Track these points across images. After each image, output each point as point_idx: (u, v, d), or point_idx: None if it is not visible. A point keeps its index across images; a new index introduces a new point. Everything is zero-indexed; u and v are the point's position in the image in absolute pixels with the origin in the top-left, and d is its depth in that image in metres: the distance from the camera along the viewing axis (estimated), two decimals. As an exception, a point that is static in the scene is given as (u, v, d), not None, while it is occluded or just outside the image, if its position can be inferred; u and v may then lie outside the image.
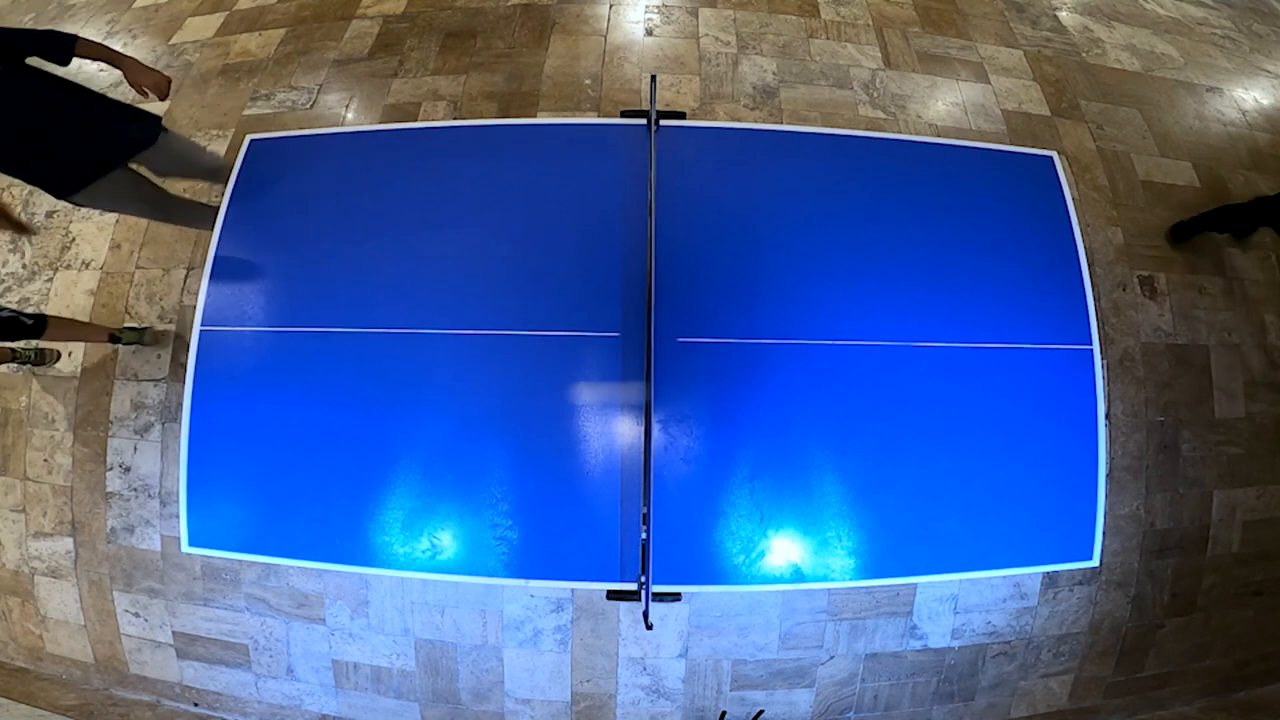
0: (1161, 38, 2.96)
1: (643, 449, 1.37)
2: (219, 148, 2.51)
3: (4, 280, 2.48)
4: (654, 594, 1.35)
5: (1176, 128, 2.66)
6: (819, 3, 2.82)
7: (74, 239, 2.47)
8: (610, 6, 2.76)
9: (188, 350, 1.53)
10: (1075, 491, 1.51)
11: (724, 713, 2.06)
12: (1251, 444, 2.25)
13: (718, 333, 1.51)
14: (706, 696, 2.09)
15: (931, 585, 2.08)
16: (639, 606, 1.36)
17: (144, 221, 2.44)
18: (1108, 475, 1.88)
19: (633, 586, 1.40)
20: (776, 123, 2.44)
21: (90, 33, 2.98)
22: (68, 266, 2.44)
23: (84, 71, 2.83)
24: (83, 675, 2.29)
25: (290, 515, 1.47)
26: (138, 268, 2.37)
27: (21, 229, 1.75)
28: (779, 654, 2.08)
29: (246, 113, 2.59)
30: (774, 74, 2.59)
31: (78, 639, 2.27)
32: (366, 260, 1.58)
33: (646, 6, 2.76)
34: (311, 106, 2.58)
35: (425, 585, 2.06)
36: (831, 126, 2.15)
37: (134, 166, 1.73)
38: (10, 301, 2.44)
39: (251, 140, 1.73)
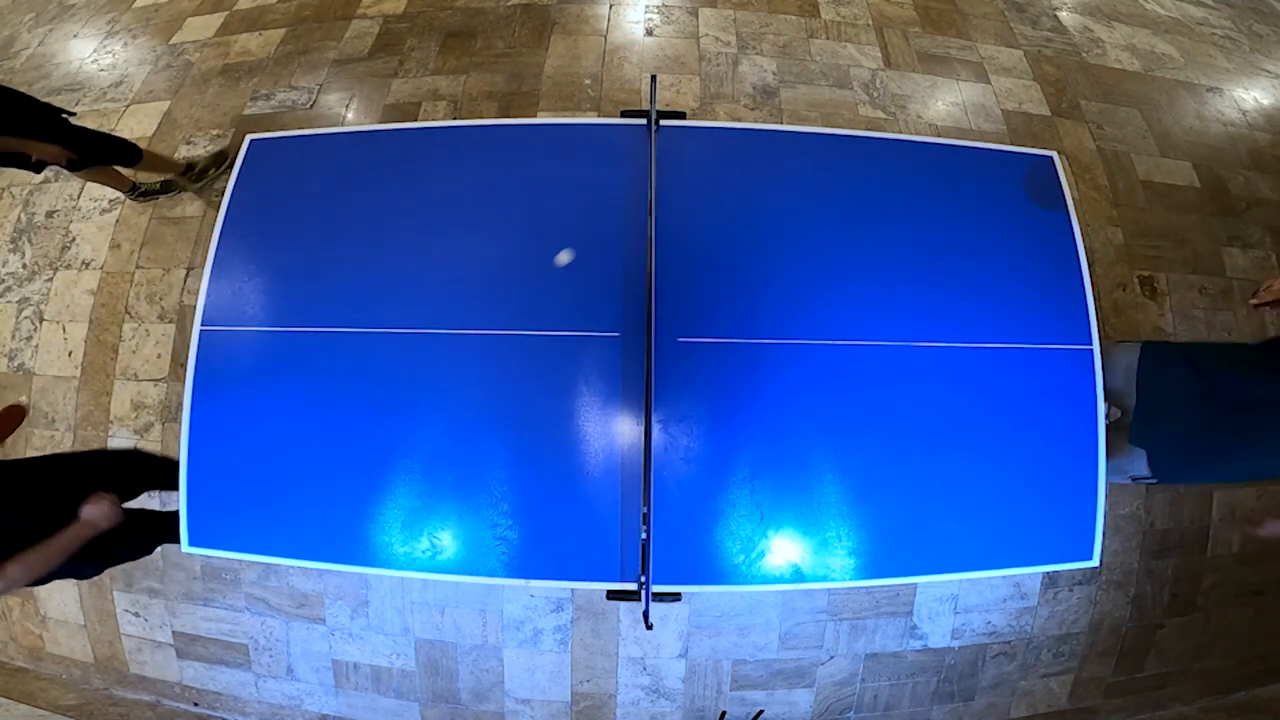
0: (1161, 38, 2.96)
1: (643, 449, 1.37)
2: (219, 148, 2.51)
3: (4, 280, 2.48)
4: (654, 594, 1.35)
5: (1176, 128, 2.66)
6: (819, 3, 2.82)
7: (74, 239, 2.48)
8: (610, 6, 2.76)
9: (188, 350, 1.53)
10: (1075, 491, 1.50)
11: (724, 713, 2.06)
12: (1251, 444, 2.24)
13: (718, 332, 1.51)
14: (706, 696, 2.09)
15: (931, 585, 2.08)
16: (639, 606, 1.36)
17: (144, 222, 2.44)
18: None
19: (633, 586, 1.39)
20: (776, 123, 2.44)
21: (90, 32, 2.98)
22: (68, 266, 2.44)
23: (84, 71, 2.84)
24: (83, 675, 2.29)
25: (290, 515, 1.47)
26: (138, 267, 2.38)
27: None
28: (779, 654, 2.08)
29: (246, 113, 2.59)
30: (774, 74, 2.59)
31: (78, 639, 2.27)
32: (366, 260, 1.58)
33: (646, 6, 2.76)
34: (311, 106, 2.58)
35: (425, 585, 2.06)
36: (832, 126, 2.15)
37: None
38: (12, 300, 2.45)
39: (251, 140, 1.73)
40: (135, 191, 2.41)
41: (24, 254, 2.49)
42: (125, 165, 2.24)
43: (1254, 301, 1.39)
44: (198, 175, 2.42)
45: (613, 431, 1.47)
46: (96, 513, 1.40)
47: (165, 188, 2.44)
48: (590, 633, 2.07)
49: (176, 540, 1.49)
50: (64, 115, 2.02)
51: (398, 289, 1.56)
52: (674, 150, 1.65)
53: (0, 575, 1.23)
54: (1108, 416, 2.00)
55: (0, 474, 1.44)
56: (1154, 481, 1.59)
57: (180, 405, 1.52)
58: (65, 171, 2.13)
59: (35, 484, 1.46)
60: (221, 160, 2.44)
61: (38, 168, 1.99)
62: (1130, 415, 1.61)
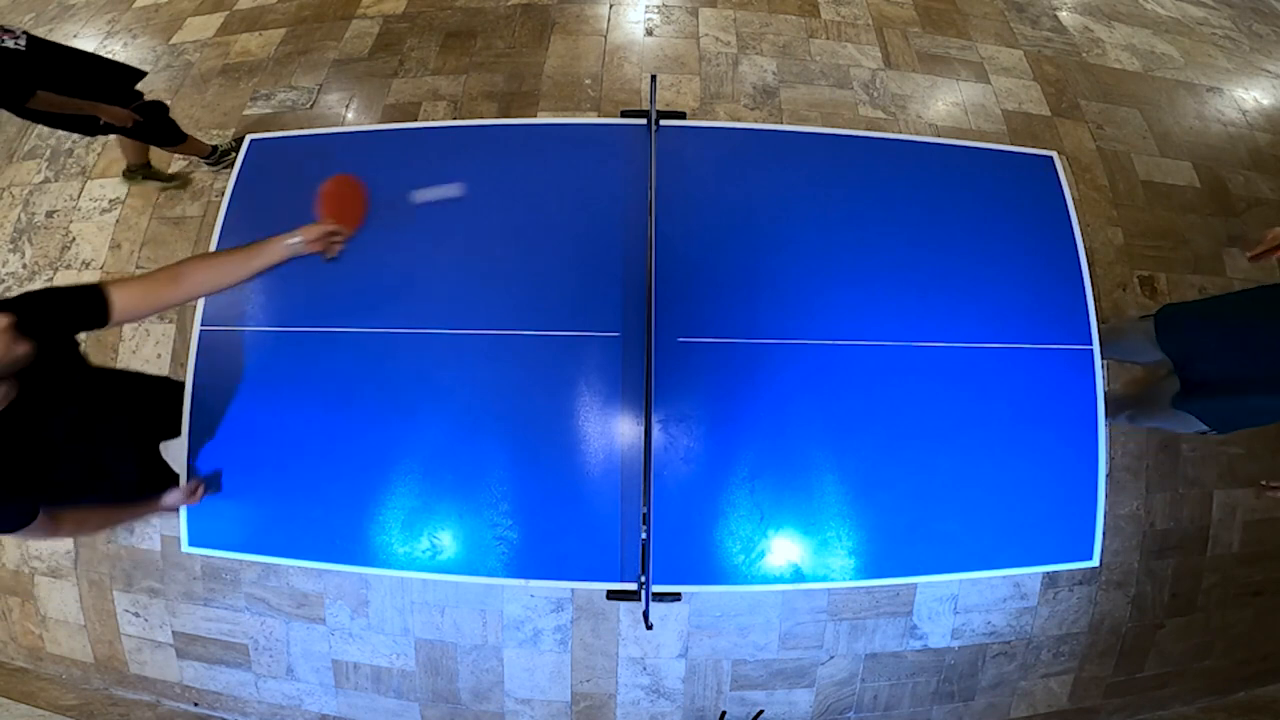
0: (1161, 38, 2.96)
1: (643, 449, 1.37)
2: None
3: (4, 280, 2.48)
4: (654, 594, 1.35)
5: (1176, 128, 2.66)
6: (819, 3, 2.82)
7: (74, 239, 2.47)
8: (610, 6, 2.76)
9: (188, 350, 1.53)
10: (1075, 491, 1.50)
11: (724, 713, 2.06)
12: (1251, 444, 2.25)
13: (718, 332, 1.51)
14: (706, 696, 2.09)
15: (931, 585, 2.08)
16: (639, 606, 1.36)
17: (144, 222, 2.44)
18: (1108, 475, 1.87)
19: (633, 586, 1.39)
20: (776, 123, 2.44)
21: (90, 32, 2.98)
22: (68, 266, 2.44)
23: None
24: (83, 675, 2.29)
25: (290, 515, 1.47)
26: (138, 268, 2.37)
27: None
28: (779, 654, 2.08)
29: (246, 113, 2.59)
30: (774, 74, 2.59)
31: (78, 639, 2.27)
32: (366, 260, 1.58)
33: (646, 6, 2.76)
34: (311, 106, 2.58)
35: (425, 585, 2.06)
36: (831, 126, 2.15)
37: None
38: (10, 301, 2.45)
39: (251, 140, 1.73)
40: (145, 170, 2.46)
41: (24, 254, 2.49)
42: (168, 145, 2.30)
43: (1252, 254, 1.36)
44: (219, 158, 2.48)
45: (613, 431, 1.47)
46: (179, 500, 1.42)
47: (170, 179, 2.49)
48: (590, 633, 2.07)
49: None
50: (138, 77, 2.15)
51: (398, 289, 1.56)
52: (674, 150, 1.65)
53: (54, 528, 1.16)
54: (1113, 421, 2.01)
55: (100, 383, 1.42)
56: (1216, 434, 1.62)
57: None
58: (103, 135, 2.21)
59: (119, 401, 1.46)
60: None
61: (101, 130, 2.07)
62: (1169, 380, 1.61)
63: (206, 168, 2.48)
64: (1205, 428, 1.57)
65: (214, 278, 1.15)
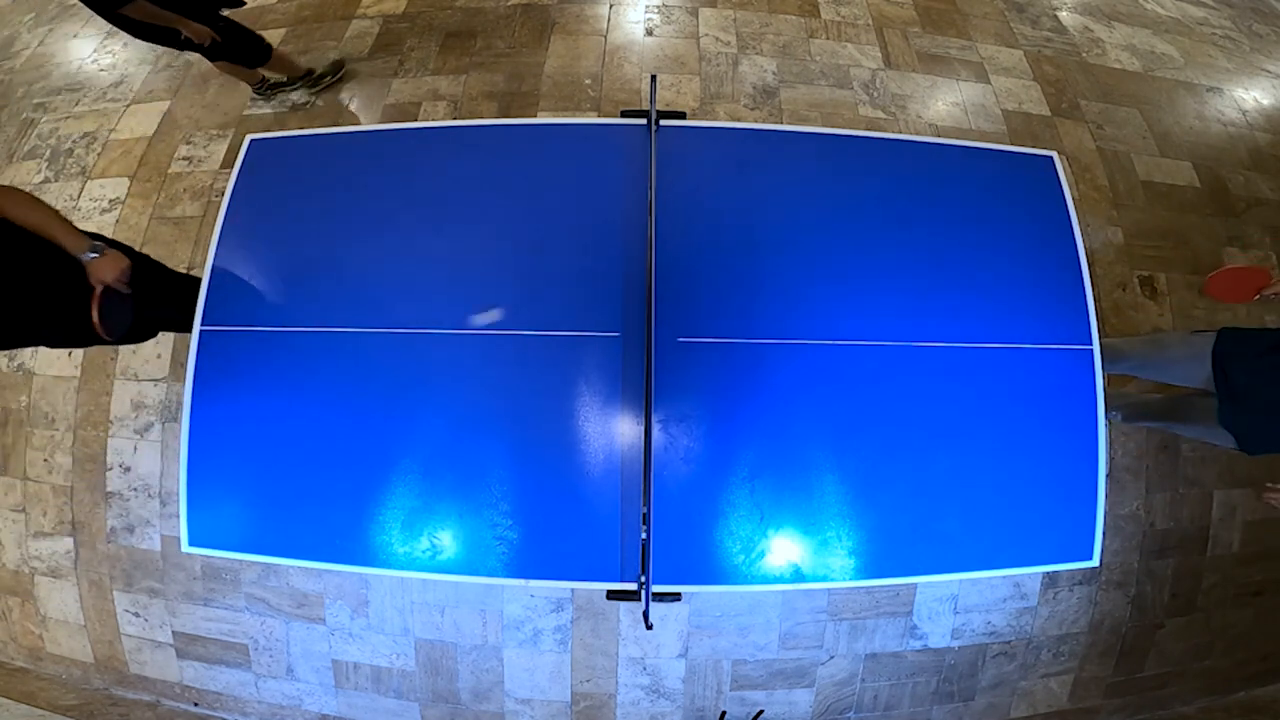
0: (1161, 38, 2.96)
1: (643, 449, 1.37)
2: (219, 148, 2.51)
3: (4, 280, 2.48)
4: (654, 594, 1.35)
5: (1176, 128, 2.66)
6: (819, 3, 2.82)
7: (74, 239, 2.47)
8: (610, 6, 2.76)
9: (188, 350, 1.53)
10: (1075, 491, 1.50)
11: (724, 713, 2.06)
12: (1251, 444, 2.24)
13: (718, 332, 1.51)
14: (706, 696, 2.09)
15: (931, 585, 2.08)
16: (639, 606, 1.36)
17: (144, 222, 2.44)
18: (1108, 475, 1.88)
19: (633, 586, 1.39)
20: (776, 123, 2.44)
21: (90, 32, 2.98)
22: (68, 266, 2.44)
23: None
24: (83, 675, 2.29)
25: (290, 515, 1.47)
26: (138, 268, 2.37)
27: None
28: (779, 654, 2.08)
29: (247, 113, 2.60)
30: (774, 74, 2.59)
31: (78, 639, 2.27)
32: (366, 260, 1.58)
33: (646, 6, 2.76)
34: (311, 106, 2.58)
35: (425, 585, 2.06)
36: (831, 126, 2.15)
37: None
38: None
39: (251, 140, 1.73)
40: (264, 86, 2.56)
41: (24, 254, 2.49)
42: (254, 65, 2.40)
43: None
44: (315, 81, 2.56)
45: (613, 431, 1.47)
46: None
47: (289, 83, 2.59)
48: (590, 633, 2.07)
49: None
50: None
51: (398, 289, 1.56)
52: (674, 150, 1.65)
53: None
54: (1109, 418, 2.00)
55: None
56: (1246, 453, 1.60)
57: (180, 405, 1.52)
58: (204, 58, 2.30)
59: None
60: (339, 69, 2.62)
61: (185, 45, 2.14)
62: (1216, 397, 1.60)
63: (301, 92, 2.57)
64: (1235, 446, 1.57)
65: (32, 216, 1.33)
